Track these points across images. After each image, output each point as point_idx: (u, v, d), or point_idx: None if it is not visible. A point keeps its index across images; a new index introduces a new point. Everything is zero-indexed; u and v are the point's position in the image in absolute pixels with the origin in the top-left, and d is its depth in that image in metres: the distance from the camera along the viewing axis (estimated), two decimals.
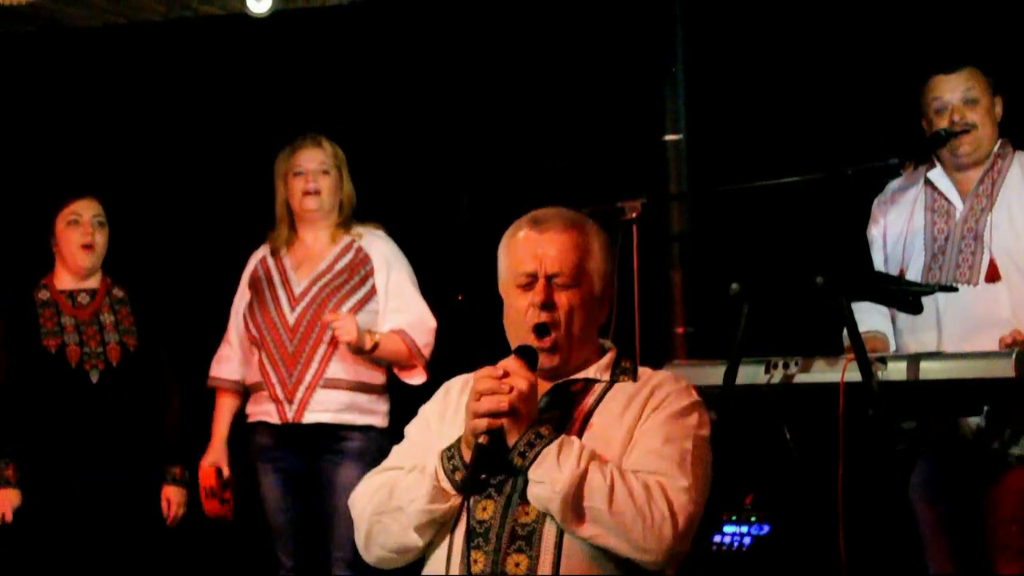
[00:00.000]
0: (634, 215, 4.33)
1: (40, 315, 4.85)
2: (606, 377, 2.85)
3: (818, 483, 3.61)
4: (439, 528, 2.76)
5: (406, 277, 4.83)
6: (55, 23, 5.96)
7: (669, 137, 5.27)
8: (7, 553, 4.78)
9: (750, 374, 3.81)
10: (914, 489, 4.17)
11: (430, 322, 4.80)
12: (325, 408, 4.71)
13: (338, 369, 4.71)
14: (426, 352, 4.76)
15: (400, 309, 4.78)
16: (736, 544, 4.35)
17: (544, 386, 2.82)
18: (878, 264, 4.31)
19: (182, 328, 5.19)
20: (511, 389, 2.67)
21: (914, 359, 3.67)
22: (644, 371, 2.89)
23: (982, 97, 4.18)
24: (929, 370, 3.63)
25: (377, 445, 4.67)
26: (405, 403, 4.75)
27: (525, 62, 5.48)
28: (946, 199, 4.21)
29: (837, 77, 5.00)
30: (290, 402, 4.71)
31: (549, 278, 2.80)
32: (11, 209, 5.79)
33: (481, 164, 5.59)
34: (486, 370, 2.71)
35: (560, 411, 2.79)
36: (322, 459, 4.73)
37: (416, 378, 4.79)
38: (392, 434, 4.78)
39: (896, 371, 3.66)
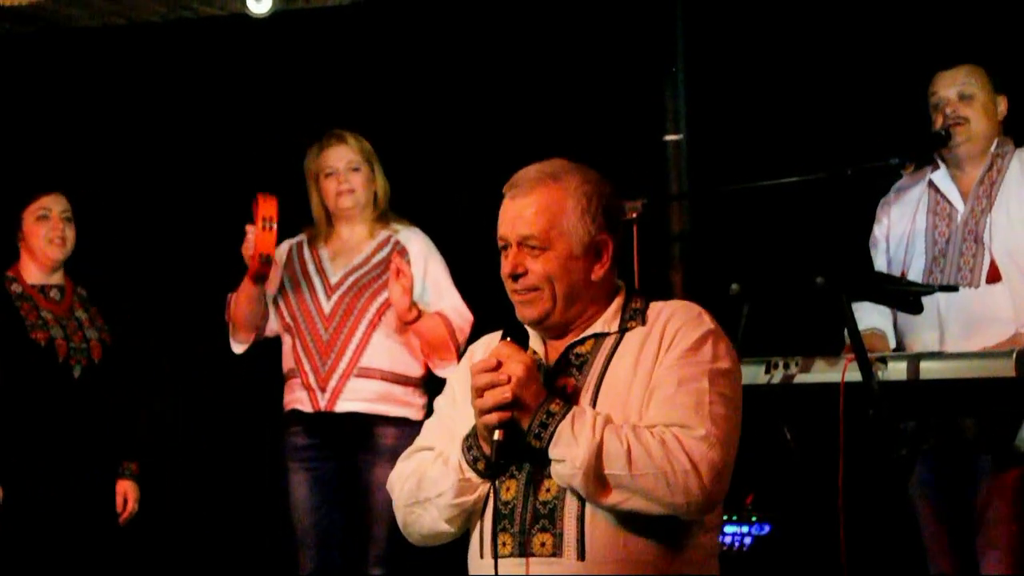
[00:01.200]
0: (634, 215, 4.32)
1: (19, 308, 4.82)
2: (615, 328, 2.78)
3: (818, 483, 3.61)
4: (470, 514, 2.76)
5: (443, 272, 4.82)
6: (55, 24, 5.97)
7: (669, 137, 5.26)
8: None
9: (750, 374, 3.80)
10: (915, 488, 4.17)
11: (467, 314, 4.77)
12: (358, 397, 4.69)
13: (373, 358, 4.70)
14: (461, 340, 4.71)
15: (437, 301, 4.76)
16: (737, 544, 4.36)
17: (557, 347, 2.79)
18: (880, 265, 4.31)
19: (179, 329, 5.20)
20: (509, 378, 2.63)
21: (914, 359, 3.67)
22: (654, 307, 2.80)
23: (979, 93, 4.15)
24: (929, 370, 3.63)
25: (411, 441, 4.65)
26: None
27: (525, 62, 5.48)
28: (948, 201, 4.20)
29: (838, 77, 5.00)
30: (323, 390, 4.69)
31: (520, 243, 2.75)
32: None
33: (481, 164, 5.58)
34: (480, 364, 2.68)
35: (574, 376, 2.75)
36: (356, 458, 4.72)
37: (449, 367, 4.76)
38: None
39: (896, 371, 3.66)
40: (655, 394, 2.67)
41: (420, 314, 4.63)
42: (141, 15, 5.92)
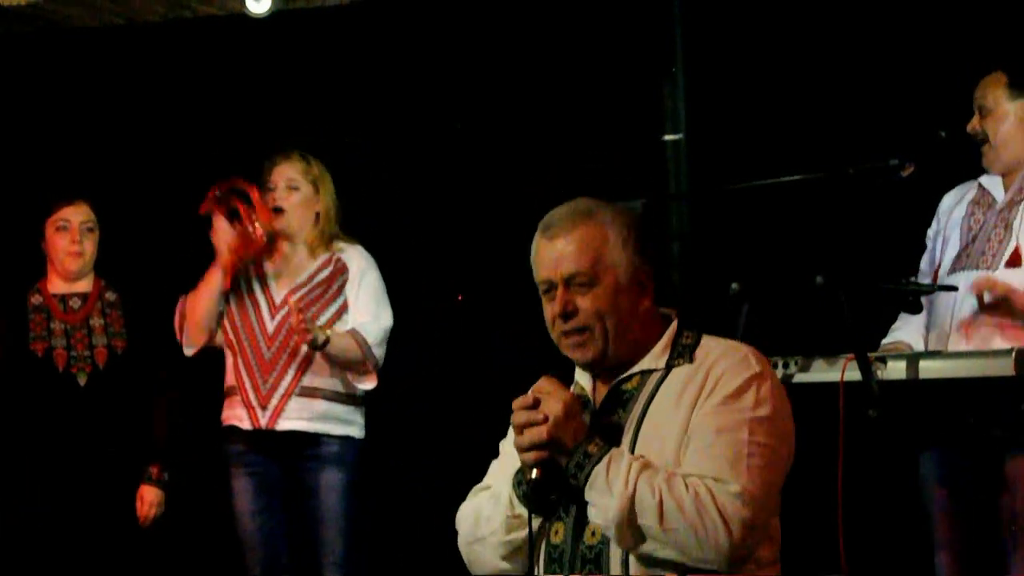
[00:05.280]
0: None
1: (31, 320, 4.87)
2: (662, 364, 2.74)
3: (818, 483, 3.61)
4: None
5: (372, 282, 4.81)
6: (55, 24, 5.96)
7: (668, 137, 5.27)
8: None
9: None
10: (923, 481, 4.11)
11: (384, 321, 4.77)
12: (300, 416, 4.70)
13: (315, 378, 4.71)
14: (377, 353, 4.72)
15: (356, 311, 4.77)
16: None
17: (607, 384, 2.77)
18: (923, 264, 4.26)
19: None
20: (545, 418, 2.62)
21: (913, 358, 3.67)
22: (704, 346, 2.78)
23: (996, 105, 4.06)
24: (929, 369, 3.63)
25: (355, 453, 4.71)
26: (379, 414, 4.76)
27: (524, 62, 5.48)
28: (990, 193, 4.12)
29: (837, 76, 5.00)
30: (263, 408, 4.70)
31: (567, 282, 2.71)
32: (6, 212, 5.79)
33: (480, 164, 5.59)
34: (518, 401, 2.67)
35: (619, 414, 2.72)
36: (300, 465, 4.73)
37: (367, 383, 4.77)
38: (369, 445, 4.79)
39: (896, 371, 3.65)
40: (693, 441, 2.64)
41: (328, 340, 4.60)
42: (141, 15, 5.91)
